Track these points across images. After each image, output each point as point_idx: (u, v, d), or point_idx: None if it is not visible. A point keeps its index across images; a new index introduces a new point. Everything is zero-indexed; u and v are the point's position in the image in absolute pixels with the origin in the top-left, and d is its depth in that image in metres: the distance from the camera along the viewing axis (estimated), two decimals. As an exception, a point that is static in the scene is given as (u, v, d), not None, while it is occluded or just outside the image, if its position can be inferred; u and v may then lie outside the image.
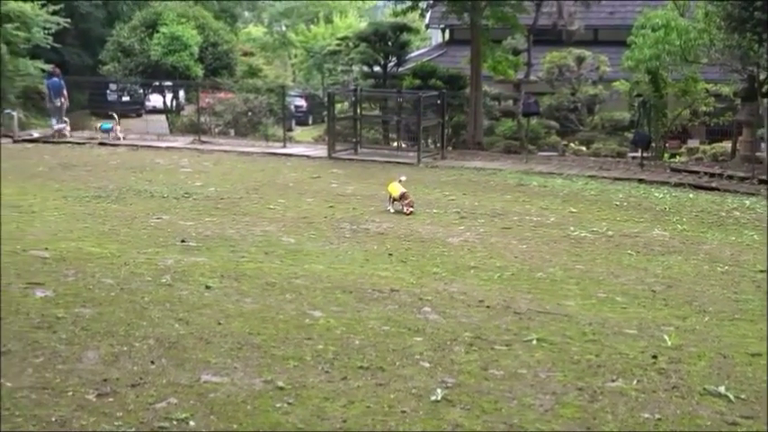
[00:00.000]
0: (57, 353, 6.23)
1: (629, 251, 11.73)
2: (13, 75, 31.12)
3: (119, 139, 25.40)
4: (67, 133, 25.70)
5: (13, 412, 5.18)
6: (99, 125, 26.58)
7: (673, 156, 26.93)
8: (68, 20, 36.90)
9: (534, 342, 7.04)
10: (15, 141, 25.17)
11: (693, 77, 25.42)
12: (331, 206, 14.61)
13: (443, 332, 7.21)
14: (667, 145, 27.28)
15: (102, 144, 24.77)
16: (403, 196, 14.38)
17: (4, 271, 8.57)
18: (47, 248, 9.82)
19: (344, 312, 7.68)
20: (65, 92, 27.54)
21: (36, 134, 25.84)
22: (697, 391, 6.11)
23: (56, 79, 27.64)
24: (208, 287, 8.31)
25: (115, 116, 27.17)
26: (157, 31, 35.71)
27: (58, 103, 27.10)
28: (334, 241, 11.55)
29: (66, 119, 26.65)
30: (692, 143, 29.18)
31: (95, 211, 13.19)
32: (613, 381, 6.22)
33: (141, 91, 40.68)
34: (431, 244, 11.67)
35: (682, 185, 19.30)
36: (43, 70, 33.74)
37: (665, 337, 7.38)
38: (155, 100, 40.76)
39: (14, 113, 27.46)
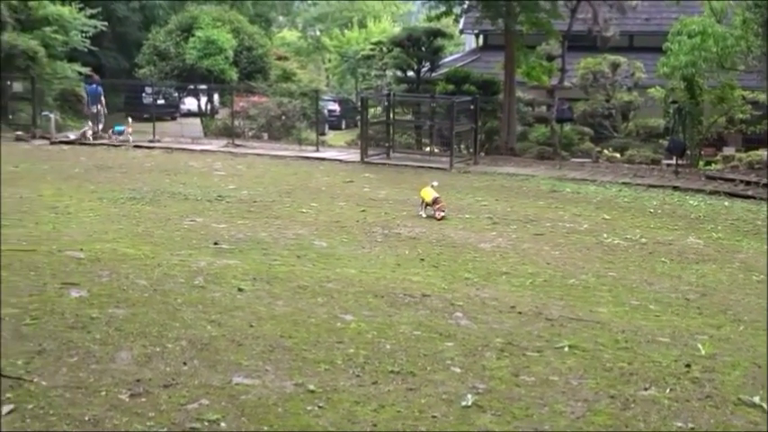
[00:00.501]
0: (90, 353, 6.28)
1: (662, 259, 11.68)
2: (50, 77, 31.45)
3: (128, 141, 25.73)
4: (89, 137, 25.92)
5: (47, 411, 5.23)
6: (112, 127, 26.93)
7: (708, 163, 26.71)
8: (106, 23, 37.27)
9: (566, 349, 7.01)
10: (52, 143, 25.43)
11: (730, 84, 25.22)
12: (363, 210, 14.65)
13: (475, 338, 7.19)
14: (702, 152, 27.05)
15: (137, 146, 24.97)
16: (435, 201, 14.38)
17: (41, 271, 8.67)
18: (82, 249, 9.90)
19: (376, 316, 7.68)
20: (102, 98, 28.03)
21: (72, 136, 26.09)
22: (731, 400, 6.05)
23: (94, 86, 28.10)
24: (240, 290, 8.34)
25: (130, 120, 27.50)
26: (193, 35, 35.96)
27: (95, 110, 27.56)
28: (366, 245, 11.57)
29: (90, 123, 26.97)
30: (728, 151, 28.91)
31: (130, 213, 13.31)
32: (646, 389, 6.17)
33: (176, 94, 40.97)
34: (463, 249, 11.67)
35: (717, 193, 19.15)
36: (80, 73, 34.10)
37: (699, 346, 7.32)
38: (189, 103, 41.05)
39: (52, 115, 27.77)
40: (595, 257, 11.48)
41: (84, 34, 34.62)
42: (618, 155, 28.34)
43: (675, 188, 19.64)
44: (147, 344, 6.55)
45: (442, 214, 14.14)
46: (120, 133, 26.11)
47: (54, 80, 31.50)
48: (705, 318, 8.52)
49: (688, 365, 6.79)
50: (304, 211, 14.37)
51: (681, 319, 8.41)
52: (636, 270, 10.79)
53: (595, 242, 12.64)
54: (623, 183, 20.22)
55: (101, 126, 27.44)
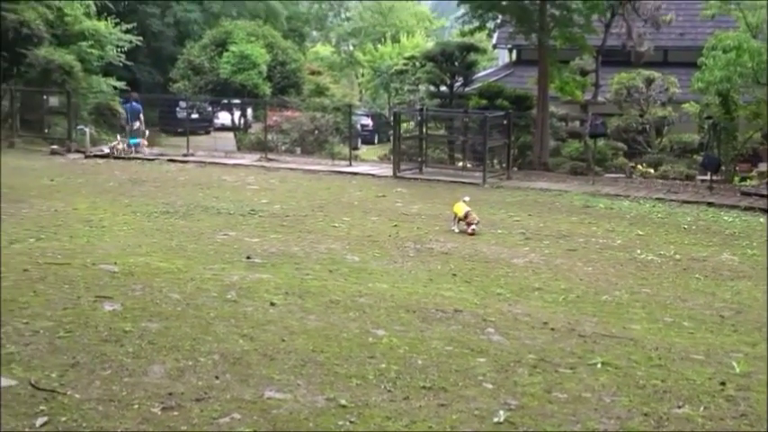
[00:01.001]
0: (123, 366, 6.32)
1: (696, 275, 11.59)
2: (86, 92, 31.76)
3: (141, 153, 26.09)
4: (116, 151, 26.16)
5: (80, 424, 5.26)
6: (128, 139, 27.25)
7: (743, 179, 26.48)
8: (141, 38, 37.60)
9: (599, 366, 6.96)
10: (87, 157, 25.63)
11: (765, 100, 25.03)
12: (395, 225, 14.65)
13: (507, 354, 7.16)
14: (737, 168, 26.83)
15: (171, 161, 25.13)
16: (466, 216, 14.38)
17: (75, 284, 8.75)
18: (116, 263, 9.98)
19: (408, 332, 7.67)
20: (141, 116, 28.68)
21: (106, 150, 26.31)
22: (766, 419, 5.99)
23: (134, 103, 28.76)
24: (272, 304, 8.37)
25: (146, 132, 27.83)
26: (227, 50, 36.19)
27: (134, 126, 28.17)
28: (398, 260, 11.57)
29: (118, 136, 27.30)
30: (763, 167, 28.64)
31: (163, 227, 13.40)
32: (680, 407, 6.11)
33: (210, 109, 41.24)
34: (495, 264, 11.63)
35: (752, 209, 18.98)
36: (115, 87, 34.43)
37: (734, 364, 7.25)
38: (223, 117, 41.30)
39: (87, 129, 28.03)
40: (629, 273, 11.41)
41: (119, 49, 34.95)
42: (652, 170, 28.17)
43: (710, 204, 19.48)
44: (180, 357, 6.59)
45: (474, 228, 14.13)
46: (136, 146, 26.38)
47: (89, 94, 31.80)
48: (740, 335, 8.44)
49: (723, 383, 6.73)
50: (336, 225, 14.40)
51: (715, 336, 8.34)
52: (670, 287, 10.71)
53: (629, 258, 12.57)
54: (657, 198, 20.09)
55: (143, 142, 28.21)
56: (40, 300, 8.05)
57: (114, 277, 9.21)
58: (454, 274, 10.72)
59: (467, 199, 15.07)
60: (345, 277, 10.08)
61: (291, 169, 23.90)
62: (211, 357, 6.58)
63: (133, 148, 26.23)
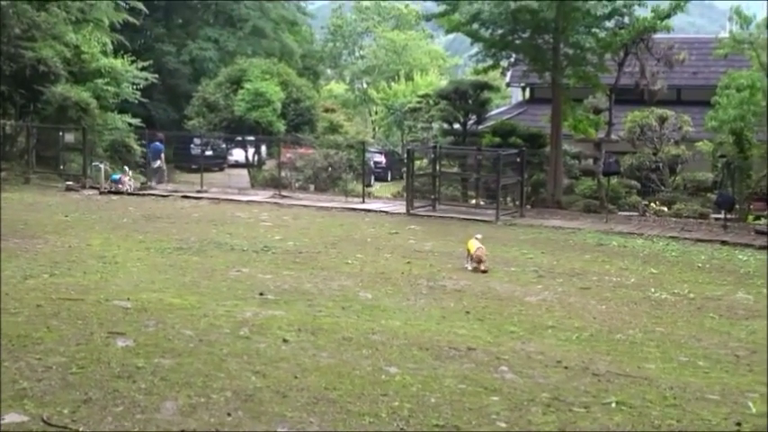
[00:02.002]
0: (136, 402, 6.31)
1: (711, 314, 11.51)
2: (101, 129, 31.98)
3: (127, 189, 26.18)
4: (121, 186, 26.34)
5: (92, 460, 5.26)
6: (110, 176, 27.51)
7: (757, 218, 26.36)
8: (156, 75, 37.92)
9: (613, 405, 6.91)
10: (101, 193, 25.75)
11: (779, 139, 25.04)
12: (408, 262, 14.63)
13: (520, 392, 7.12)
14: (752, 207, 26.74)
15: (185, 197, 25.22)
16: (475, 252, 14.34)
17: (88, 320, 8.78)
18: (129, 299, 10.00)
19: (421, 369, 7.64)
20: (162, 155, 29.38)
21: (121, 186, 26.43)
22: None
23: (157, 143, 29.64)
24: (285, 341, 8.35)
25: (126, 168, 28.00)
26: (242, 87, 36.42)
27: (155, 165, 28.84)
28: (411, 297, 11.54)
29: (126, 168, 27.70)
30: (778, 205, 28.60)
31: (176, 263, 13.41)
32: (695, 447, 6.07)
33: (224, 145, 41.43)
34: (508, 302, 11.59)
35: (767, 248, 18.90)
36: (130, 124, 34.68)
37: (750, 404, 7.19)
38: (237, 154, 41.49)
39: (102, 166, 28.19)
40: (643, 312, 11.34)
41: (135, 86, 35.26)
42: (665, 208, 28.09)
43: (724, 243, 19.41)
44: (192, 394, 6.58)
45: (481, 267, 14.14)
46: (117, 182, 26.55)
47: (105, 131, 32.03)
48: (756, 375, 8.36)
49: (738, 424, 6.67)
50: (349, 262, 14.40)
51: (731, 376, 8.27)
52: (684, 326, 10.64)
53: (643, 297, 12.50)
54: (671, 237, 20.03)
55: (164, 179, 28.70)
56: (53, 335, 8.07)
57: (127, 313, 9.23)
58: (467, 312, 10.68)
59: (479, 236, 15.07)
60: (358, 314, 10.06)
61: (305, 206, 23.94)
62: (224, 394, 6.57)
63: (114, 185, 26.46)
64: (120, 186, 26.35)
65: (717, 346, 9.58)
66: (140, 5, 39.78)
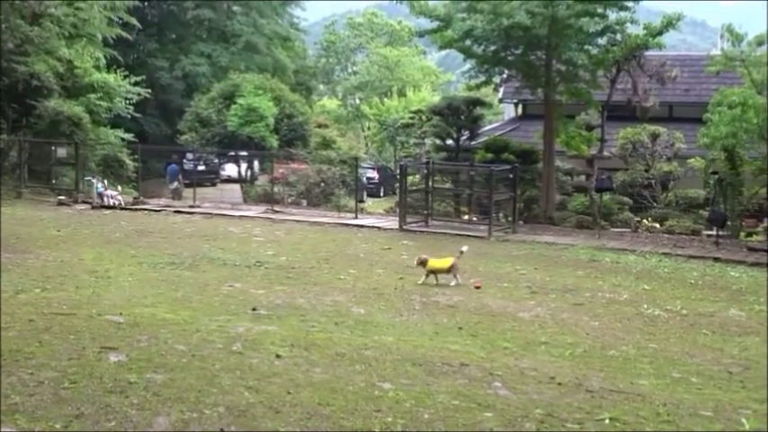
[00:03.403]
0: (128, 417, 6.27)
1: (704, 331, 11.52)
2: (94, 143, 31.98)
3: (114, 203, 26.18)
4: (108, 200, 26.41)
5: (83, 476, 5.23)
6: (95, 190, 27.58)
7: (749, 234, 26.43)
8: (149, 90, 37.97)
9: (607, 421, 6.89)
10: (94, 208, 25.71)
11: (769, 156, 25.11)
12: (401, 278, 14.61)
13: (514, 408, 7.10)
14: (744, 223, 26.81)
15: (177, 212, 25.20)
16: (452, 267, 14.50)
17: (81, 335, 8.73)
18: (121, 313, 9.96)
19: (414, 385, 7.61)
20: (180, 177, 30.20)
21: (113, 201, 26.40)
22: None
23: (173, 165, 30.61)
24: (278, 356, 8.32)
25: (105, 182, 28.12)
26: (235, 103, 36.47)
27: (173, 186, 29.83)
28: (404, 313, 11.52)
29: (105, 182, 27.86)
30: (769, 222, 28.67)
31: (169, 278, 13.39)
32: (689, 464, 6.06)
33: (217, 161, 41.45)
34: (501, 318, 11.57)
35: (759, 265, 18.92)
36: (123, 139, 34.72)
37: (743, 421, 7.18)
38: (229, 169, 41.55)
39: (94, 181, 28.17)
40: (636, 328, 11.34)
41: (127, 101, 35.30)
42: (658, 225, 28.16)
43: (716, 259, 19.44)
44: (185, 409, 6.54)
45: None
46: (100, 196, 26.56)
47: (97, 146, 32.03)
48: (749, 392, 8.35)
49: (732, 440, 6.68)
50: (342, 277, 14.38)
51: (724, 392, 8.26)
52: (677, 342, 10.64)
53: (635, 313, 12.50)
54: (663, 253, 20.05)
55: (182, 197, 30.07)
56: (44, 350, 8.03)
57: (120, 328, 9.19)
58: (460, 328, 10.65)
59: (464, 249, 15.13)
60: (351, 330, 10.04)
61: (297, 221, 23.95)
62: (216, 410, 6.53)
63: (100, 199, 26.50)
64: (107, 200, 26.32)
65: (710, 362, 9.57)
66: (134, 21, 39.90)
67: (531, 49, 26.40)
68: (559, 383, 8.09)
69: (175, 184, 31.22)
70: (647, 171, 31.03)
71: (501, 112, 47.86)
